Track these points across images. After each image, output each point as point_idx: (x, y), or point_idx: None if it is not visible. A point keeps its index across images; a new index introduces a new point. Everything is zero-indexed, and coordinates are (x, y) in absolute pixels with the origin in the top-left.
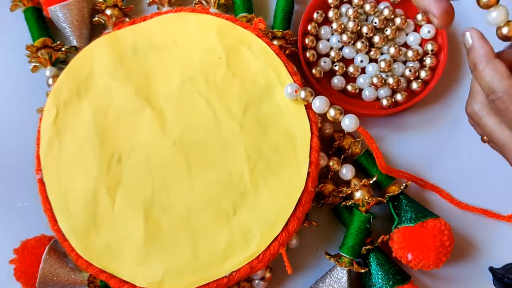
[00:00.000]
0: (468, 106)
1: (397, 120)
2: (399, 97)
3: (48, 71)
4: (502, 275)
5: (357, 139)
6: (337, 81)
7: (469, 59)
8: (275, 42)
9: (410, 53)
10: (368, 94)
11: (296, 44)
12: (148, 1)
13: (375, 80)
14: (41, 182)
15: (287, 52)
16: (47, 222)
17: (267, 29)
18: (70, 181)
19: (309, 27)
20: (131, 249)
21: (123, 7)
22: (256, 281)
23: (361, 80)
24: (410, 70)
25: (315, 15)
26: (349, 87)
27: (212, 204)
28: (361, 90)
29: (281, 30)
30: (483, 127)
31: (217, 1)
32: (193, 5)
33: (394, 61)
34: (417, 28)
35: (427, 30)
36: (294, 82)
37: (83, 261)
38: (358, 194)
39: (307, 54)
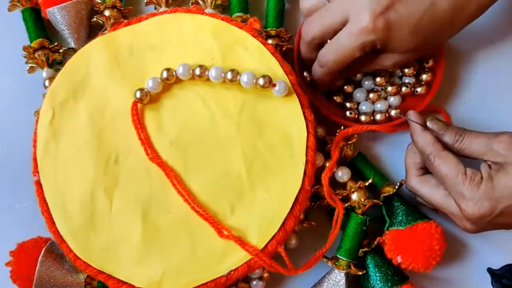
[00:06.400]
0: (406, 182)
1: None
2: (393, 112)
3: (45, 72)
4: (500, 276)
5: (349, 142)
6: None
7: (410, 131)
8: (269, 41)
9: (406, 70)
10: (364, 108)
11: (291, 41)
12: (145, 1)
13: (371, 95)
14: (38, 184)
15: (283, 49)
16: (44, 223)
17: (261, 29)
18: (67, 182)
19: None
20: (129, 250)
21: (122, 8)
22: (254, 282)
23: (358, 95)
24: (406, 86)
25: None
26: (347, 113)
27: (209, 204)
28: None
29: (274, 28)
30: (421, 197)
31: (213, 2)
32: (190, 5)
33: (391, 75)
34: None
35: None
36: (290, 81)
37: (81, 262)
38: (354, 196)
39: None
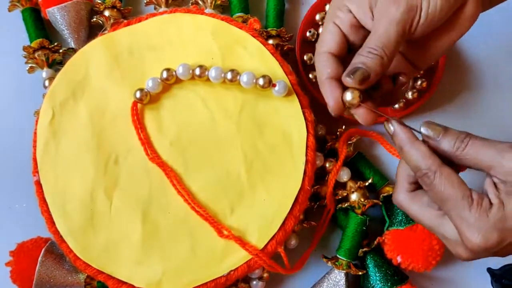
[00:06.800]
0: (393, 196)
1: None
2: (409, 95)
3: (45, 72)
4: (500, 276)
5: (349, 142)
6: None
7: (396, 143)
8: (270, 41)
9: None
10: None
11: (291, 41)
12: (145, 1)
13: None
14: (38, 184)
15: (285, 48)
16: (44, 224)
17: (262, 29)
18: (67, 182)
19: (308, 34)
20: (129, 250)
21: (122, 8)
22: (254, 282)
23: None
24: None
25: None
26: None
27: (209, 204)
28: None
29: (275, 28)
30: (409, 215)
31: (213, 2)
32: (189, 5)
33: None
34: None
35: None
36: (290, 81)
37: (81, 262)
38: (354, 196)
39: (305, 57)
